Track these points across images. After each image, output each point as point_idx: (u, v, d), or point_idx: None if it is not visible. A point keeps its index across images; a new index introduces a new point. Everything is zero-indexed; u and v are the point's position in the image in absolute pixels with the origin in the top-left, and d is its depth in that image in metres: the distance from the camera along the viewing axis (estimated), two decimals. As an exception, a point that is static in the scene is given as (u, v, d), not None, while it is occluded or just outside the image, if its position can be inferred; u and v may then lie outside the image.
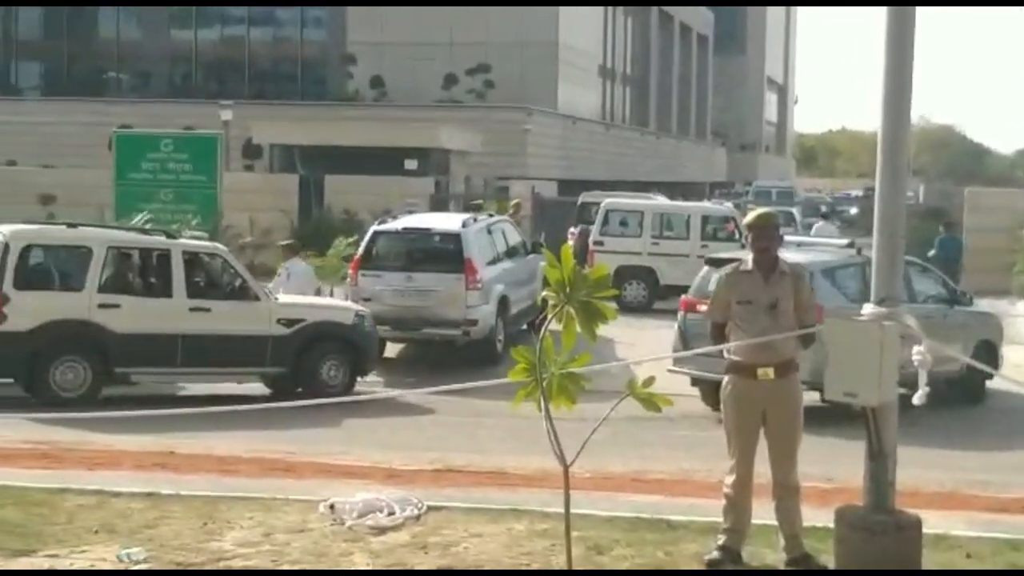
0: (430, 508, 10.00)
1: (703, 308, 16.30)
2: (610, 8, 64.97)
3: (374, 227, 21.03)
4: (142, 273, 16.94)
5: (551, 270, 6.88)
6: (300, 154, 41.78)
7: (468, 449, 13.57)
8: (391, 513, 9.71)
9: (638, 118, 71.75)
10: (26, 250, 16.14)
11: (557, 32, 54.90)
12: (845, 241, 19.32)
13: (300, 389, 16.59)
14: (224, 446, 13.30)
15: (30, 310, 15.85)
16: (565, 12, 55.36)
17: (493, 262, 20.91)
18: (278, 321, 16.81)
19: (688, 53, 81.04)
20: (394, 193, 33.57)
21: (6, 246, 15.91)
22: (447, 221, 21.74)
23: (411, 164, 39.95)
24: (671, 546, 9.03)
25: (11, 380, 16.20)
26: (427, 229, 20.94)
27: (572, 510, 7.36)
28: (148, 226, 20.29)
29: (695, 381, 15.98)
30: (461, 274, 19.69)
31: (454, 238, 20.21)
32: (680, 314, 16.54)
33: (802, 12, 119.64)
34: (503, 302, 20.52)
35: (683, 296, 17.00)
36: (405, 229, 20.81)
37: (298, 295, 18.54)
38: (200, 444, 13.36)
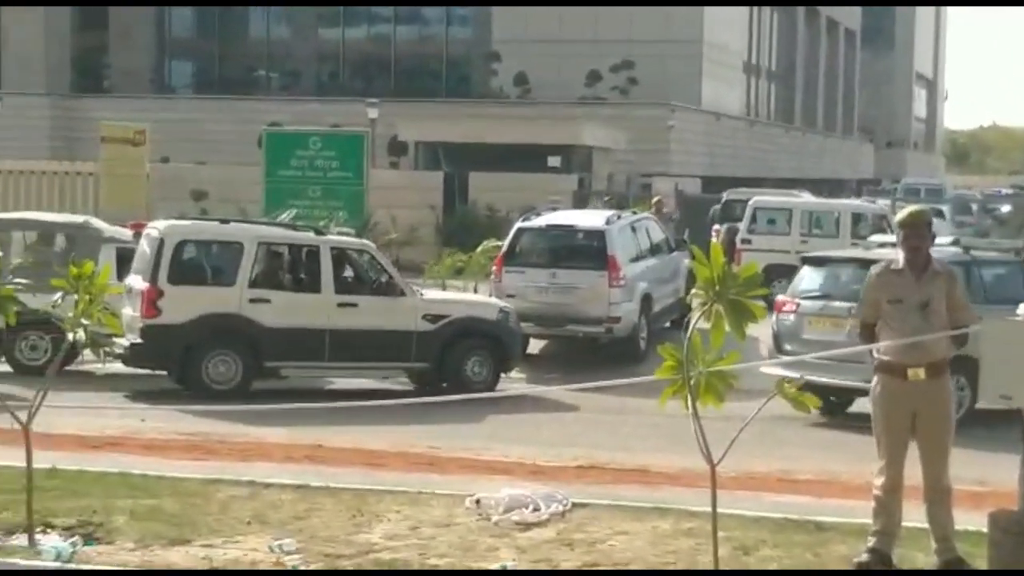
0: (575, 505, 10.02)
1: (789, 308, 16.13)
2: (755, 4, 64.33)
3: (518, 224, 21.11)
4: (291, 268, 17.22)
5: (700, 268, 6.86)
6: (445, 151, 42.09)
7: (611, 446, 13.56)
8: (536, 509, 9.75)
9: (783, 114, 71.00)
10: (180, 245, 16.51)
11: (702, 29, 54.57)
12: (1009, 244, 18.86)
13: (445, 384, 16.73)
14: (370, 440, 13.48)
15: (183, 304, 16.19)
16: (710, 9, 55.00)
17: (636, 259, 20.84)
18: (423, 317, 16.91)
19: (835, 48, 79.91)
20: (537, 190, 33.67)
21: (161, 241, 16.30)
22: (591, 218, 21.78)
23: (554, 161, 40.03)
24: (819, 548, 8.93)
25: (164, 372, 16.60)
26: (571, 226, 21.02)
27: (718, 510, 7.33)
28: (298, 223, 20.61)
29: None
30: (604, 271, 19.65)
31: (598, 235, 20.21)
32: (774, 315, 16.18)
33: (952, 5, 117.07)
34: (646, 300, 20.40)
35: (778, 296, 16.73)
36: (549, 226, 20.92)
37: None
38: (347, 438, 13.56)
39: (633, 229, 21.45)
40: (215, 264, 16.97)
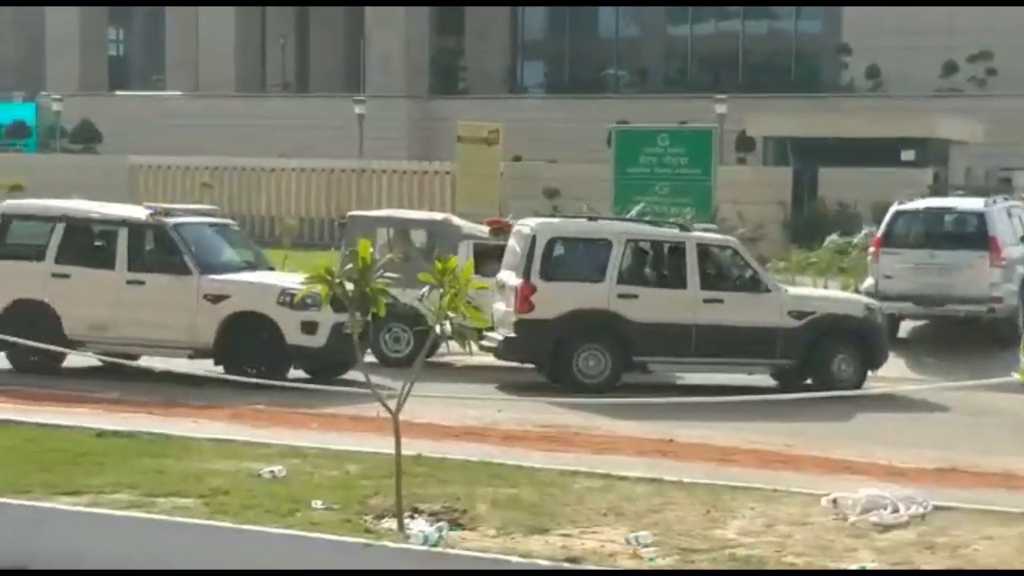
0: (936, 508, 9.77)
1: None
2: None
3: (895, 207, 21.42)
4: (657, 265, 17.50)
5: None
6: (793, 146, 41.51)
7: (973, 449, 13.13)
8: (895, 510, 9.56)
9: None
10: (551, 242, 17.00)
11: (1066, 14, 51.92)
12: None
13: (809, 381, 16.66)
14: (722, 436, 13.48)
15: (555, 300, 16.66)
16: (1076, -8, 52.25)
17: (1015, 244, 21.04)
18: (789, 313, 16.96)
19: None
20: (889, 185, 32.78)
21: (533, 238, 16.80)
22: (968, 202, 22.08)
23: (908, 155, 38.91)
24: None
25: (532, 366, 17.05)
26: (950, 208, 21.80)
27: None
28: (647, 217, 20.81)
29: None
30: (986, 251, 19.94)
31: (978, 216, 20.59)
32: None
33: None
34: None
35: None
36: (927, 208, 21.60)
37: None
38: (698, 433, 13.58)
39: (1010, 215, 21.62)
40: (584, 260, 17.39)
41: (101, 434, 12.33)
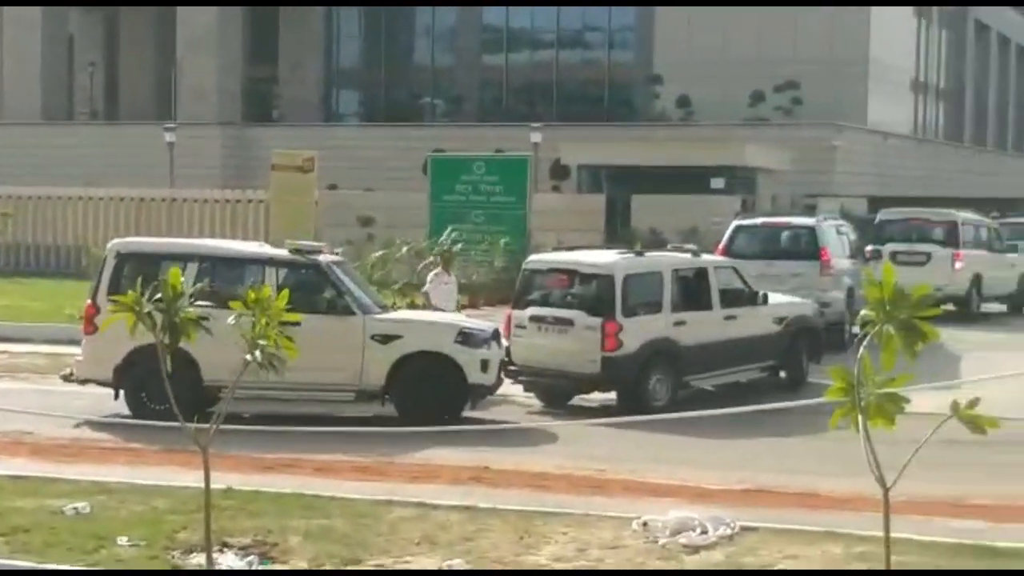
0: (743, 528, 9.94)
1: None
2: (923, 21, 63.26)
3: (735, 222, 24.72)
4: (689, 290, 18.12)
5: (871, 288, 6.76)
6: (607, 174, 42.12)
7: (778, 469, 13.41)
8: (704, 532, 9.70)
9: (952, 133, 69.48)
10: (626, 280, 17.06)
11: (868, 47, 53.75)
12: None
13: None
14: (536, 462, 13.52)
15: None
16: (876, 26, 54.16)
17: (842, 257, 23.83)
18: (773, 320, 18.61)
19: (1007, 65, 78.01)
20: (699, 212, 33.49)
21: (610, 278, 16.91)
22: (801, 219, 25.82)
23: (717, 183, 39.79)
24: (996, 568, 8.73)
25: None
26: (785, 223, 25.04)
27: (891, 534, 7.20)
28: (457, 244, 21.05)
29: None
30: (817, 261, 22.85)
31: (810, 231, 23.65)
32: None
33: None
34: (850, 293, 22.70)
35: None
36: (764, 223, 24.91)
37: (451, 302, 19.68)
38: (513, 460, 13.61)
39: (838, 231, 24.68)
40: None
41: None
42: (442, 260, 20.91)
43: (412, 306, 19.70)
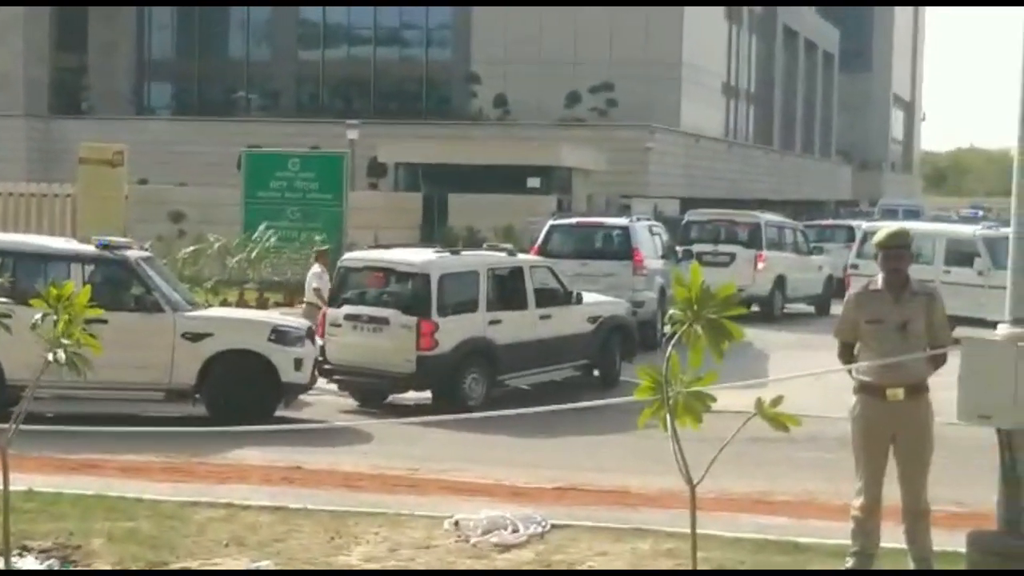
0: (554, 526, 10.00)
1: None
2: (734, 25, 64.68)
3: (550, 222, 24.88)
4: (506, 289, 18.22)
5: (678, 288, 6.84)
6: (424, 172, 42.13)
7: (589, 468, 13.53)
8: (515, 531, 9.73)
9: (762, 136, 71.23)
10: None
11: (681, 50, 54.76)
12: None
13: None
14: (349, 461, 13.43)
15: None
16: (689, 30, 55.23)
17: (655, 257, 24.15)
18: (587, 319, 18.75)
19: (813, 70, 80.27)
20: (516, 211, 33.69)
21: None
22: (615, 219, 25.91)
23: (534, 182, 40.13)
24: (798, 568, 8.93)
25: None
26: (599, 223, 25.27)
27: (697, 531, 7.31)
28: (272, 241, 20.83)
29: None
30: (630, 261, 23.16)
31: (623, 230, 23.98)
32: None
33: (930, 27, 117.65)
34: (663, 293, 23.10)
35: None
36: (579, 223, 25.10)
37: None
38: (325, 460, 13.49)
39: (651, 232, 25.03)
40: None
41: None
42: (317, 256, 21.00)
43: (225, 303, 19.44)
